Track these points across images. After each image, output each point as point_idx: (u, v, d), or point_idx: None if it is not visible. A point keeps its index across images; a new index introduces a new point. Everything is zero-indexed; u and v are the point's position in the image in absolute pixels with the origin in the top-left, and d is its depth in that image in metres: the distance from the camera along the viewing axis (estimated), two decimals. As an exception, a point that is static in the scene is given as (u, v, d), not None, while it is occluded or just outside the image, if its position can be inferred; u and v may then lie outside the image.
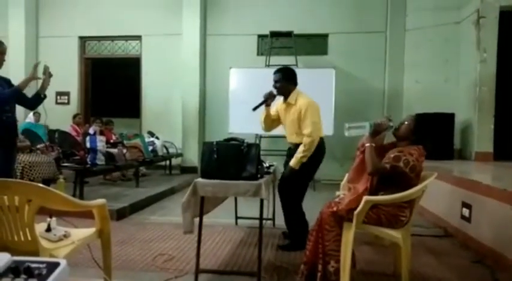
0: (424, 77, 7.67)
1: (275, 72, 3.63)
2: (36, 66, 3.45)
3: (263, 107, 3.63)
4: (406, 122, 2.79)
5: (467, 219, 3.79)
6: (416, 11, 7.81)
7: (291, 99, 3.55)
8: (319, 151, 3.54)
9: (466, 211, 3.83)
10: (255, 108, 3.59)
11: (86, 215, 2.52)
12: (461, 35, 7.08)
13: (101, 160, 5.48)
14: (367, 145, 2.68)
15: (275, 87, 3.58)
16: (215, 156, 2.89)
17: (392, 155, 2.60)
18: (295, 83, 3.61)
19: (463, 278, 3.02)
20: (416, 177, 2.63)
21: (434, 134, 6.55)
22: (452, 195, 4.23)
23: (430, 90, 7.52)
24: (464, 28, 6.98)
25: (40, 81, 3.55)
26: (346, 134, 2.84)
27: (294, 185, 3.55)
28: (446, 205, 4.37)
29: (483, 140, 6.41)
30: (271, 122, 3.76)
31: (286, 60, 7.89)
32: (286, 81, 3.57)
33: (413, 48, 7.86)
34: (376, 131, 2.75)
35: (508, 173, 5.09)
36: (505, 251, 3.13)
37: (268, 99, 3.58)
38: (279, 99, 3.70)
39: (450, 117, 6.67)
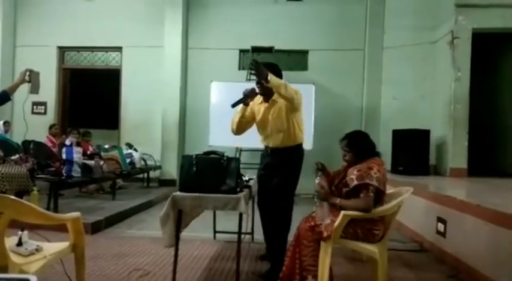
0: (401, 94, 7.86)
1: None
2: (26, 71, 3.40)
3: (238, 106, 3.31)
4: (347, 155, 2.78)
5: (443, 234, 3.86)
6: (394, 30, 8.03)
7: (276, 96, 3.21)
8: (300, 156, 3.35)
9: (441, 226, 3.90)
10: (234, 105, 3.26)
11: (60, 228, 2.46)
12: (437, 54, 7.30)
13: (77, 171, 5.36)
14: (337, 202, 2.66)
15: (258, 83, 3.19)
16: (194, 169, 2.87)
17: (354, 176, 2.60)
18: None
19: (438, 292, 3.06)
20: (383, 187, 2.65)
21: (411, 150, 6.72)
22: (427, 210, 4.30)
23: (406, 107, 7.70)
24: (439, 48, 7.21)
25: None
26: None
27: (286, 195, 3.29)
28: (422, 220, 4.44)
29: (457, 156, 6.57)
30: (245, 123, 3.41)
31: (267, 74, 7.97)
32: None
33: (391, 66, 8.07)
34: (325, 195, 2.74)
35: (481, 189, 5.22)
36: (478, 266, 3.19)
37: (248, 97, 3.25)
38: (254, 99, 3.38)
39: (426, 133, 6.83)
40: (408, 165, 6.71)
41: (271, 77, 2.96)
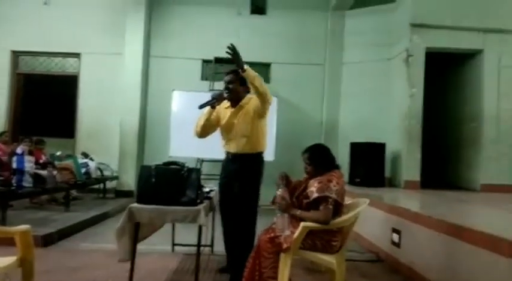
0: (358, 109, 8.11)
1: (229, 73, 3.31)
2: None
3: (204, 108, 3.33)
4: (307, 167, 2.85)
5: (397, 244, 3.99)
6: (353, 46, 8.32)
7: (243, 102, 3.29)
8: (260, 164, 3.36)
9: (396, 237, 4.03)
10: (201, 106, 3.28)
11: (7, 242, 2.32)
12: (393, 71, 7.62)
13: (28, 181, 5.11)
14: (298, 213, 2.70)
15: (227, 88, 3.28)
16: (153, 180, 2.81)
17: (314, 189, 2.64)
18: (248, 90, 3.28)
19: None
20: (341, 199, 2.72)
21: (367, 162, 6.93)
22: (383, 221, 4.43)
23: (364, 121, 7.95)
24: (395, 64, 7.53)
25: None
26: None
27: (248, 203, 3.28)
28: (378, 230, 4.57)
29: (411, 169, 6.85)
30: (209, 127, 3.40)
31: (229, 86, 7.99)
32: (240, 84, 3.23)
33: (350, 81, 8.32)
34: (285, 207, 2.77)
35: (434, 201, 5.44)
36: (430, 275, 3.31)
37: (216, 100, 3.29)
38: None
39: (381, 147, 7.09)
40: (365, 177, 6.92)
41: (247, 67, 2.99)
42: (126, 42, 8.25)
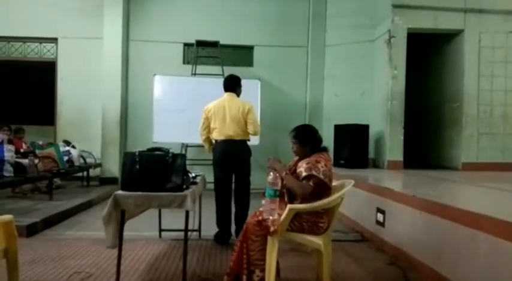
0: (342, 91, 8.14)
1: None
2: None
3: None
4: (294, 146, 2.88)
5: (382, 224, 4.06)
6: (336, 28, 8.28)
7: None
8: (213, 151, 4.20)
9: (380, 216, 4.10)
10: None
11: (-10, 233, 2.28)
12: (376, 53, 7.64)
13: (8, 171, 5.01)
14: (283, 175, 2.71)
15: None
16: (137, 167, 2.77)
17: (303, 168, 2.67)
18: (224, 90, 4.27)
19: (379, 280, 3.21)
20: (329, 182, 2.75)
21: (351, 144, 7.00)
22: (368, 201, 4.50)
23: (347, 103, 7.99)
24: (378, 46, 7.55)
25: None
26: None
27: None
28: (363, 210, 4.64)
29: (394, 149, 6.95)
30: None
31: (212, 69, 7.91)
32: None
33: (333, 63, 8.32)
34: (280, 168, 2.76)
35: (416, 181, 5.54)
36: (414, 253, 3.39)
37: None
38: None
39: (365, 128, 7.15)
40: (349, 158, 7.00)
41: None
42: (105, 26, 8.04)
